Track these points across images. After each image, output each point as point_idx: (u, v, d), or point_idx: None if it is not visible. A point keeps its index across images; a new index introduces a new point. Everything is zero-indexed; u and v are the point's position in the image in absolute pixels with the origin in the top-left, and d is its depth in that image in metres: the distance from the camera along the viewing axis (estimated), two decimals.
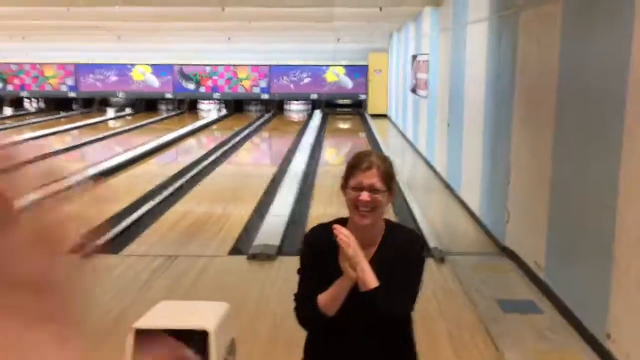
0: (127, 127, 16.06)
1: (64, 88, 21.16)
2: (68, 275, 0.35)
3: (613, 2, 3.61)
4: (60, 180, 0.36)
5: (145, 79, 20.86)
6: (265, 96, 20.67)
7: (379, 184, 1.89)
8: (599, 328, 3.62)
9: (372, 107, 19.33)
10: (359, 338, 1.92)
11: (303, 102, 20.69)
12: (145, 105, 20.94)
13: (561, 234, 4.31)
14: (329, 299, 1.87)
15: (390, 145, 12.95)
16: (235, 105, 20.68)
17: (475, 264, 5.30)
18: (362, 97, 20.22)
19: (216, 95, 20.76)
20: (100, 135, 13.97)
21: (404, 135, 14.09)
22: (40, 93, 21.38)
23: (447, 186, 8.21)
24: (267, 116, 19.24)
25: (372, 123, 16.62)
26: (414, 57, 12.27)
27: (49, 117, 18.61)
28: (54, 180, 0.35)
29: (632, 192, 3.29)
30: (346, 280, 1.84)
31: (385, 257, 1.93)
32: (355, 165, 1.93)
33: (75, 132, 15.53)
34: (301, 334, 2.05)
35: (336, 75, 20.53)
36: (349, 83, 20.49)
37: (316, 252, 1.96)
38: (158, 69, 20.72)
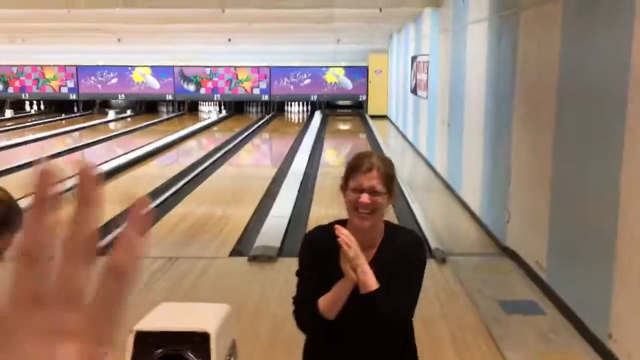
0: (127, 129, 16.06)
1: (64, 90, 21.17)
2: (100, 288, 0.35)
3: (613, 2, 3.60)
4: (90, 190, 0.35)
5: (145, 80, 20.86)
6: (265, 97, 20.67)
7: (379, 186, 1.87)
8: (601, 328, 3.61)
9: (372, 108, 19.32)
10: (359, 341, 1.89)
11: (303, 103, 20.70)
12: (145, 107, 20.95)
13: (563, 233, 4.30)
14: (329, 302, 1.85)
15: (391, 146, 12.94)
16: (236, 107, 20.69)
17: (477, 264, 5.29)
18: (362, 98, 20.22)
19: (216, 96, 20.77)
20: (101, 137, 13.97)
21: (404, 136, 14.08)
22: (41, 95, 21.39)
23: (448, 186, 8.20)
24: (267, 117, 19.24)
25: (372, 124, 16.61)
26: (414, 58, 12.27)
27: (50, 119, 18.62)
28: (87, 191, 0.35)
29: (633, 191, 3.28)
30: (347, 282, 1.82)
31: (385, 259, 1.90)
32: (355, 166, 1.90)
33: (75, 134, 15.54)
34: (302, 336, 2.03)
35: (336, 77, 20.53)
36: (349, 84, 20.49)
37: (316, 254, 1.94)
38: (158, 71, 20.72)
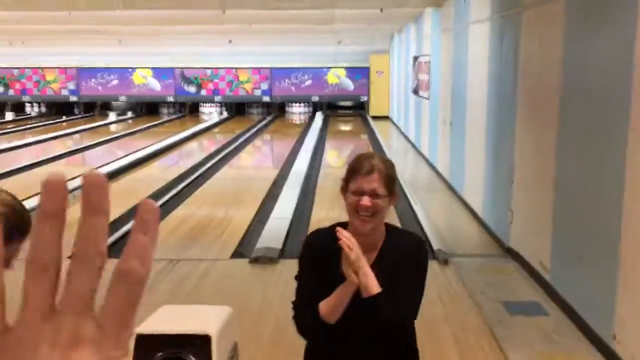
0: (128, 131, 16.06)
1: (65, 92, 21.18)
2: (111, 293, 0.35)
3: (617, 1, 3.57)
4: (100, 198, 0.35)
5: (146, 82, 20.87)
6: (266, 99, 20.67)
7: (380, 189, 1.83)
8: (605, 329, 3.58)
9: (374, 109, 19.31)
10: (361, 345, 1.86)
11: (304, 104, 20.69)
12: (146, 108, 20.95)
13: (566, 234, 4.27)
14: (330, 306, 1.81)
15: (392, 147, 12.93)
16: (237, 108, 20.69)
17: (480, 265, 5.26)
18: (364, 98, 20.21)
19: (217, 98, 20.77)
20: (102, 139, 13.97)
21: (406, 137, 14.06)
22: (41, 97, 21.40)
23: (450, 187, 8.18)
24: (268, 119, 19.23)
25: (374, 125, 16.60)
26: (416, 58, 12.25)
27: (51, 122, 18.63)
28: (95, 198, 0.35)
29: (638, 190, 3.25)
30: (349, 285, 1.79)
31: (387, 262, 1.87)
32: (355, 168, 1.86)
33: (76, 136, 15.53)
34: (304, 339, 2.01)
35: (337, 77, 20.51)
36: (350, 85, 20.48)
37: (316, 257, 1.90)
38: (159, 73, 20.73)
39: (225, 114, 20.36)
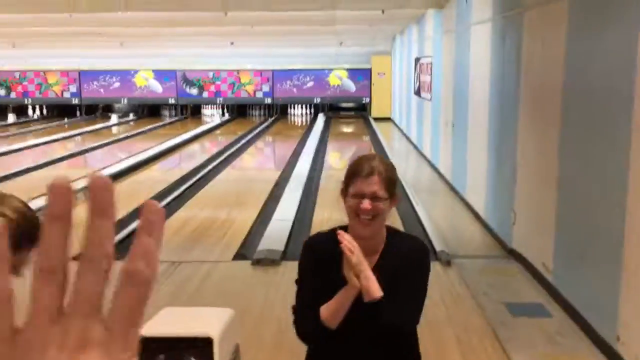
0: (130, 133, 16.07)
1: (67, 95, 21.21)
2: (118, 295, 0.35)
3: (620, 1, 3.56)
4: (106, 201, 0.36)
5: (148, 84, 20.89)
6: (268, 100, 20.67)
7: (381, 192, 1.80)
8: (609, 331, 3.56)
9: (376, 110, 19.30)
10: (362, 349, 1.83)
11: (306, 106, 20.70)
12: (148, 111, 20.98)
13: (569, 235, 4.26)
14: (331, 311, 1.78)
15: (395, 148, 12.92)
16: (239, 110, 20.70)
17: (482, 267, 5.25)
18: (366, 100, 20.21)
19: (219, 100, 20.78)
20: (104, 142, 13.97)
21: (408, 138, 14.05)
22: (43, 100, 21.43)
23: (452, 188, 8.16)
24: (270, 120, 19.23)
25: (376, 126, 16.59)
26: (417, 59, 12.24)
27: (53, 124, 18.64)
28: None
29: None
30: (350, 290, 1.75)
31: (388, 265, 1.84)
32: (355, 171, 1.83)
33: (78, 138, 15.55)
34: None
35: (339, 79, 20.52)
36: (352, 86, 20.48)
37: (317, 260, 1.87)
38: (161, 75, 20.75)
39: (227, 116, 20.37)
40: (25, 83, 21.30)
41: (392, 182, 1.84)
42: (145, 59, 19.64)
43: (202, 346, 2.10)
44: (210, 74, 20.69)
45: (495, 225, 6.06)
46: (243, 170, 11.00)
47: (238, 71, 20.63)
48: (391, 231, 1.92)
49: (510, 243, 5.51)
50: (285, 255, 5.35)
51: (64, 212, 0.35)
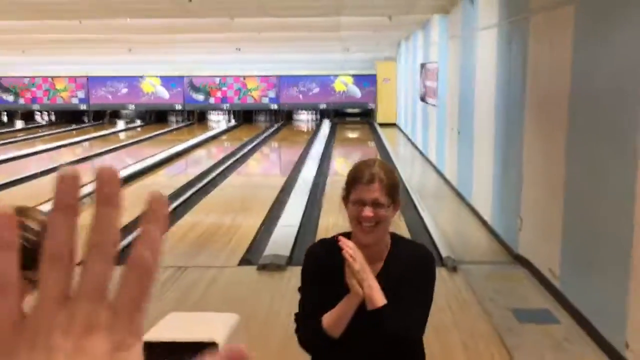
0: (137, 139, 16.13)
1: (75, 101, 21.32)
2: (123, 283, 0.36)
3: (628, 5, 3.55)
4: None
5: (155, 90, 20.98)
6: (274, 106, 20.72)
7: (382, 198, 1.76)
8: (617, 337, 3.54)
9: (381, 116, 19.31)
10: (366, 358, 1.79)
11: (312, 112, 20.73)
12: (155, 116, 21.06)
13: (576, 240, 4.24)
14: (334, 319, 1.75)
15: (400, 154, 12.91)
16: (245, 116, 20.75)
17: (489, 273, 5.23)
18: (371, 106, 20.22)
19: (225, 106, 20.84)
20: (111, 147, 14.03)
21: (413, 144, 14.04)
22: (51, 106, 21.55)
23: (458, 194, 8.14)
24: (276, 126, 19.26)
25: (381, 132, 16.59)
26: (423, 65, 12.24)
27: (60, 130, 18.74)
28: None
29: None
30: (353, 298, 1.72)
31: (393, 273, 1.80)
32: (356, 177, 1.79)
33: (86, 144, 15.62)
34: None
35: (344, 85, 20.54)
36: (357, 92, 20.49)
37: (320, 268, 1.84)
38: (168, 81, 20.84)
39: (233, 122, 20.42)
40: (33, 89, 21.43)
41: (393, 188, 1.80)
42: (153, 65, 19.74)
43: (207, 351, 2.09)
44: (217, 80, 20.76)
45: (501, 231, 6.04)
46: (249, 176, 11.01)
47: (244, 77, 20.69)
48: (395, 238, 1.88)
49: (516, 249, 5.48)
50: (290, 261, 5.35)
51: (71, 201, 0.35)
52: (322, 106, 20.47)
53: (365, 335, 1.73)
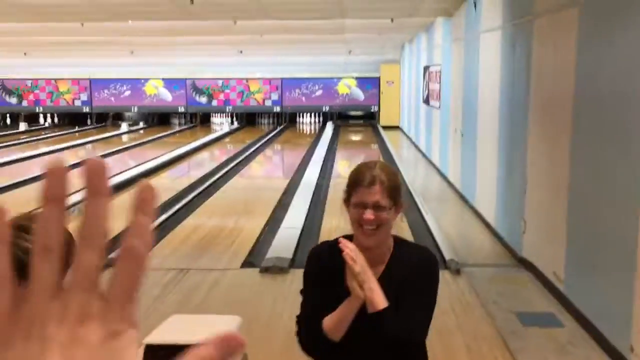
0: (140, 141, 16.15)
1: (78, 103, 21.37)
2: (116, 272, 0.36)
3: (632, 7, 3.54)
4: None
5: (158, 93, 21.01)
6: (277, 109, 20.73)
7: (383, 201, 1.73)
8: (622, 341, 3.51)
9: (384, 119, 19.30)
10: None
11: (315, 114, 20.74)
12: (158, 119, 21.10)
13: (581, 243, 4.21)
14: (334, 322, 1.73)
15: (403, 157, 12.89)
16: (248, 118, 20.77)
17: (492, 275, 5.21)
18: (374, 108, 20.21)
19: (228, 108, 20.86)
20: (114, 150, 14.05)
21: (416, 147, 14.03)
22: (54, 108, 21.60)
23: (462, 197, 8.12)
24: (279, 129, 19.27)
25: (385, 134, 16.58)
26: (426, 67, 12.23)
27: (64, 132, 18.78)
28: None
29: None
30: (354, 300, 1.70)
31: (395, 276, 1.78)
32: (357, 180, 1.76)
33: (89, 146, 15.64)
34: None
35: (348, 87, 20.54)
36: (360, 95, 20.49)
37: (321, 270, 1.82)
38: (171, 83, 20.87)
39: (236, 124, 20.44)
40: (36, 91, 21.48)
41: (395, 190, 1.78)
42: (155, 67, 19.78)
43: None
44: (220, 83, 20.78)
45: (505, 234, 6.02)
46: (252, 179, 11.01)
47: (247, 79, 20.71)
48: (398, 241, 1.86)
49: (520, 252, 5.46)
50: (293, 263, 5.33)
51: (60, 193, 0.36)
52: (325, 109, 20.47)
53: (367, 338, 1.71)
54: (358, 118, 20.63)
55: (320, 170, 10.43)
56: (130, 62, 17.49)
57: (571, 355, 3.77)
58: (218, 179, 9.94)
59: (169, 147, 14.30)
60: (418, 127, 13.96)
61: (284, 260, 5.39)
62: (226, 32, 11.06)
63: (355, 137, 17.47)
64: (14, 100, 21.56)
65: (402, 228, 5.63)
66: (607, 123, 3.79)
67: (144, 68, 19.82)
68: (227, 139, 17.27)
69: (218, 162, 12.23)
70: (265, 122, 20.89)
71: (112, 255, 0.37)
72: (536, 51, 5.11)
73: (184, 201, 8.03)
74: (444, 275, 4.94)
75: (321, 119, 20.59)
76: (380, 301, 1.69)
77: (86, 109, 21.30)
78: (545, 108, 4.95)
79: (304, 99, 20.60)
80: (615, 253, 3.64)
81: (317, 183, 9.22)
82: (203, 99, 20.90)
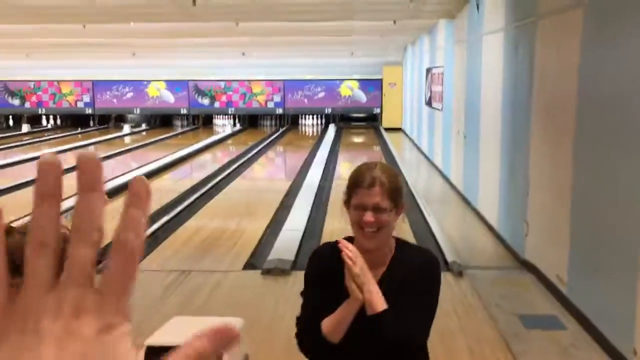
0: (142, 143, 16.16)
1: (80, 105, 21.40)
2: (109, 265, 0.37)
3: (637, 8, 3.52)
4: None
5: (160, 95, 21.04)
6: (279, 111, 20.73)
7: (384, 202, 1.71)
8: (625, 343, 3.50)
9: (387, 121, 19.29)
10: None
11: (317, 116, 20.74)
12: (160, 120, 21.11)
13: (584, 246, 4.20)
14: (333, 324, 1.71)
15: (405, 159, 12.88)
16: (250, 120, 20.77)
17: (495, 278, 5.19)
18: (377, 110, 20.21)
19: (231, 110, 20.87)
20: (116, 151, 14.06)
21: (419, 149, 14.01)
22: (57, 110, 21.64)
23: (464, 199, 8.11)
24: (281, 131, 19.27)
25: (387, 136, 16.57)
26: (429, 69, 12.22)
27: (66, 134, 18.80)
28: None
29: None
30: (352, 302, 1.68)
31: (396, 278, 1.76)
32: (357, 181, 1.74)
33: (91, 148, 15.65)
34: None
35: (350, 89, 20.54)
36: (363, 97, 20.49)
37: (322, 272, 1.81)
38: (173, 85, 20.89)
39: (238, 126, 20.44)
40: (39, 93, 21.52)
41: (396, 191, 1.75)
42: (158, 69, 19.80)
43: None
44: (222, 84, 20.80)
45: (507, 236, 6.00)
46: (254, 180, 11.00)
47: (249, 81, 20.72)
48: (400, 242, 1.84)
49: (523, 254, 5.44)
50: (295, 265, 5.33)
51: (54, 188, 0.36)
52: (328, 110, 20.47)
53: (366, 340, 1.70)
54: (360, 120, 20.62)
55: (323, 172, 10.42)
56: (133, 64, 17.51)
57: (574, 357, 3.76)
58: (220, 180, 9.93)
59: (171, 148, 14.31)
60: (420, 129, 13.95)
61: (286, 262, 5.38)
62: (228, 33, 11.06)
63: (358, 139, 17.46)
64: (16, 101, 21.60)
65: (404, 230, 5.62)
66: (610, 125, 3.78)
67: (146, 70, 19.85)
68: (229, 141, 17.27)
69: (220, 164, 12.23)
70: (267, 124, 20.89)
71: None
72: (539, 53, 5.10)
73: (186, 203, 8.03)
74: (446, 278, 4.93)
75: (323, 120, 20.59)
76: (379, 303, 1.67)
77: (89, 111, 21.33)
78: (548, 110, 4.93)
79: (306, 100, 20.60)
80: (618, 256, 3.63)
81: (319, 185, 9.21)
82: (205, 101, 20.92)
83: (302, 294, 1.88)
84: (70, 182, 0.37)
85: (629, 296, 3.43)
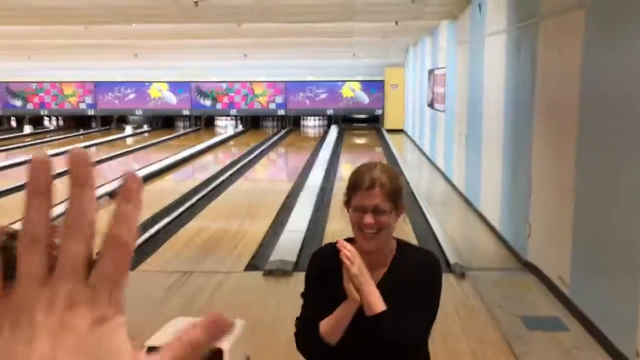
0: (144, 144, 16.17)
1: (82, 106, 21.43)
2: (102, 260, 0.37)
3: (639, 9, 3.51)
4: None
5: (162, 96, 21.06)
6: (281, 112, 20.74)
7: (384, 204, 1.69)
8: (628, 345, 3.48)
9: (389, 122, 19.28)
10: None
11: (319, 117, 20.74)
12: (162, 122, 21.13)
13: (587, 247, 4.18)
14: (331, 325, 1.70)
15: (407, 160, 12.87)
16: (252, 122, 20.79)
17: (497, 279, 5.18)
18: (379, 112, 20.20)
19: (233, 111, 20.89)
20: (118, 152, 14.07)
21: (421, 150, 14.00)
22: (59, 111, 21.67)
23: (466, 200, 8.10)
24: (283, 132, 19.27)
25: (389, 138, 16.56)
26: (431, 71, 12.22)
27: (68, 135, 18.82)
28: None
29: None
30: (350, 303, 1.67)
31: (396, 279, 1.75)
32: (356, 183, 1.72)
33: (93, 149, 15.66)
34: None
35: (352, 91, 20.54)
36: (365, 98, 20.49)
37: (322, 272, 1.80)
38: (175, 86, 20.91)
39: (240, 127, 20.45)
40: (41, 94, 21.55)
41: (396, 192, 1.73)
42: (160, 70, 19.83)
43: (212, 357, 2.06)
44: (224, 86, 20.81)
45: (510, 238, 5.99)
46: (256, 182, 11.00)
47: (251, 83, 20.74)
48: (401, 244, 1.83)
49: (525, 255, 5.43)
50: (297, 266, 5.32)
51: (45, 186, 0.36)
52: (330, 112, 20.47)
53: (365, 341, 1.68)
54: (362, 121, 20.62)
55: (324, 174, 10.41)
56: (135, 65, 17.54)
57: (576, 359, 3.74)
58: (222, 182, 9.93)
59: (173, 150, 14.31)
60: (422, 130, 13.94)
61: (288, 263, 5.37)
62: (230, 35, 11.07)
63: (360, 141, 17.46)
64: (19, 103, 21.64)
65: (406, 231, 5.60)
66: (612, 126, 3.77)
67: (148, 71, 19.88)
68: (231, 142, 17.28)
69: (222, 165, 12.23)
70: (269, 125, 20.90)
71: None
72: (541, 54, 5.09)
73: (187, 204, 8.03)
74: (448, 279, 4.92)
75: (325, 122, 20.59)
76: (377, 304, 1.66)
77: (91, 112, 21.36)
78: (550, 111, 4.92)
79: (308, 102, 20.60)
80: (621, 257, 3.61)
81: (321, 186, 9.20)
82: (207, 102, 20.93)
83: (303, 294, 1.87)
84: (67, 185, 0.37)
85: (631, 298, 3.42)
